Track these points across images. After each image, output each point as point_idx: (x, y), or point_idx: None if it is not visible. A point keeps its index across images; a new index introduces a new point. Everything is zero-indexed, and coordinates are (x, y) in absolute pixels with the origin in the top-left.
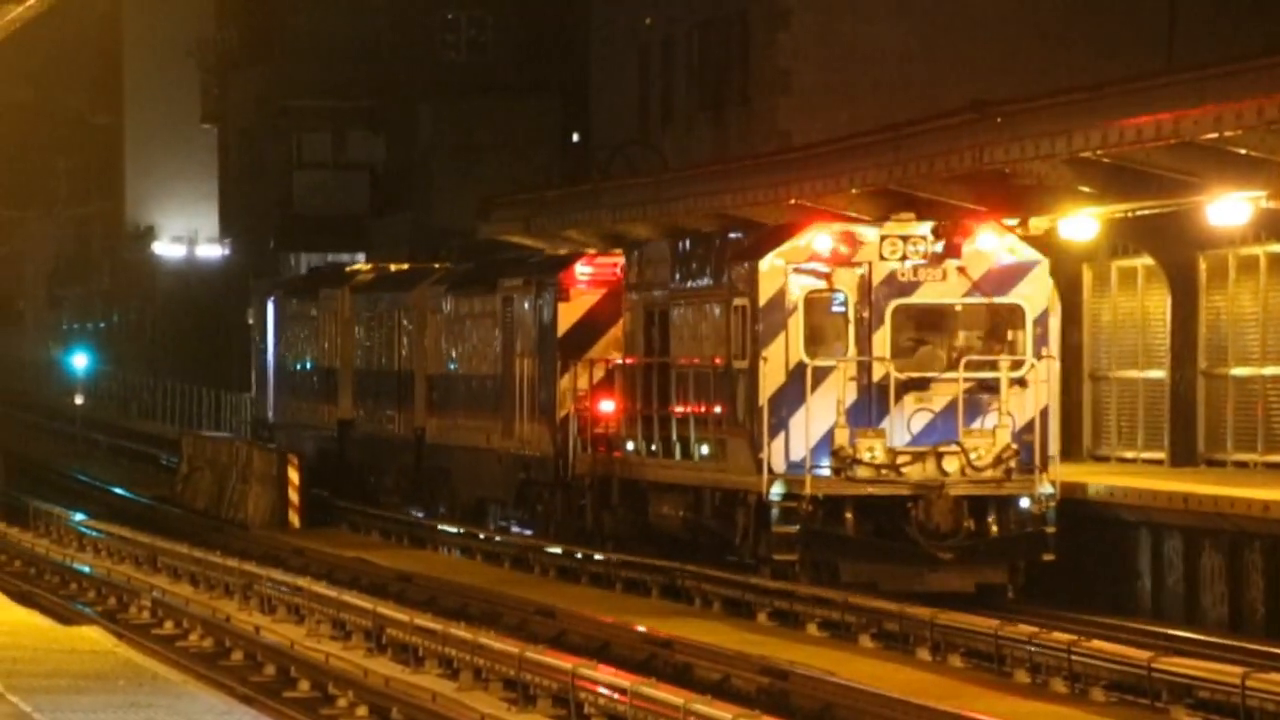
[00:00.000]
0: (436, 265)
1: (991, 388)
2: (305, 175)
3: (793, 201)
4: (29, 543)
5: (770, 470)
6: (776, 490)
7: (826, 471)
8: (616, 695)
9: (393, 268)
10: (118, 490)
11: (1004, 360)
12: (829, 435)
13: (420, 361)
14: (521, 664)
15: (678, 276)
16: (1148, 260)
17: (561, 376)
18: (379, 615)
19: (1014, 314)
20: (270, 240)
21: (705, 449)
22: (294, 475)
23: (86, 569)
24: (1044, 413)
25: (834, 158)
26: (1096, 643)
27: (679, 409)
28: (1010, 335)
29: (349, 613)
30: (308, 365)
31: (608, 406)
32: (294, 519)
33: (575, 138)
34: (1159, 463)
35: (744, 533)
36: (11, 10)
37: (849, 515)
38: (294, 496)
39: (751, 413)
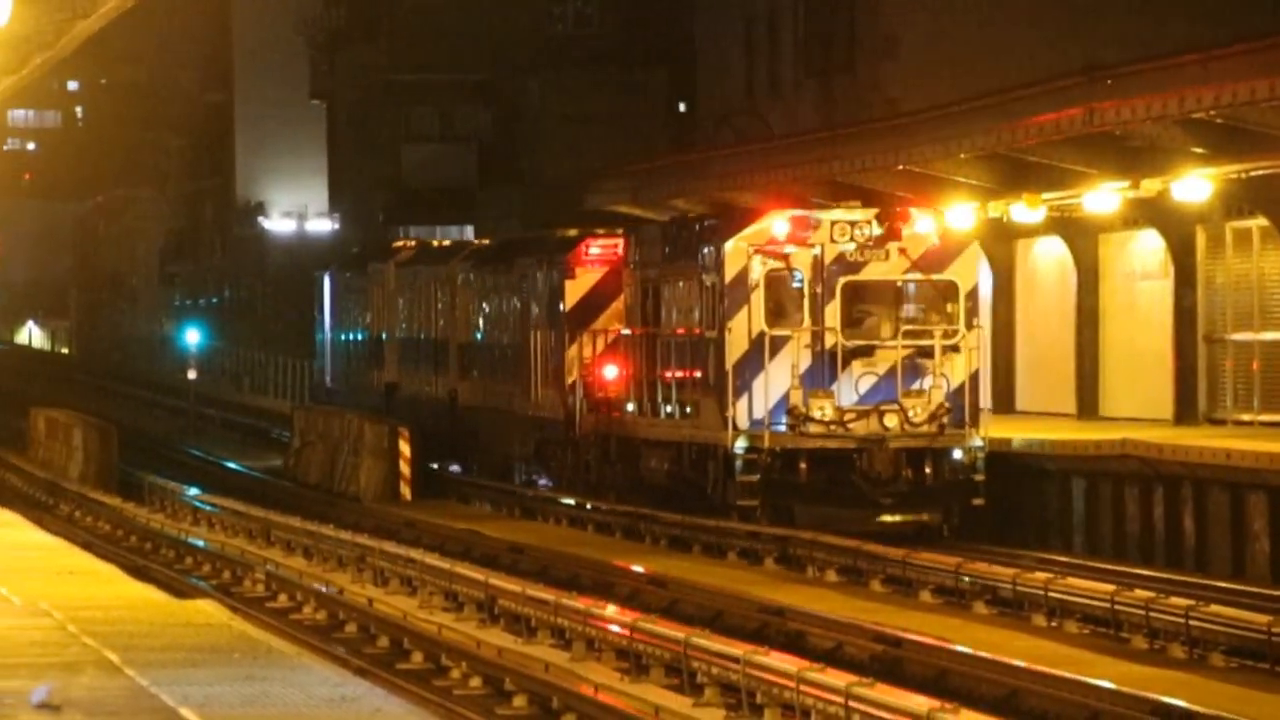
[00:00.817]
0: (478, 242)
1: (928, 354)
2: (414, 149)
3: (901, 168)
4: (144, 518)
5: (735, 427)
6: (740, 444)
7: (783, 428)
8: (729, 664)
9: (435, 244)
10: (231, 465)
11: (938, 330)
12: (786, 396)
13: (452, 331)
14: (634, 634)
15: (666, 256)
16: (1262, 221)
17: (569, 346)
18: (491, 586)
19: (948, 289)
20: (379, 214)
21: (684, 409)
22: (405, 448)
23: (201, 543)
24: (974, 376)
25: (942, 123)
26: (1215, 607)
27: (666, 374)
28: (946, 308)
29: (461, 584)
30: (358, 334)
31: (609, 373)
32: (405, 491)
33: (682, 107)
34: (1277, 425)
35: (714, 482)
36: None
37: (803, 466)
38: (405, 469)
39: (719, 376)
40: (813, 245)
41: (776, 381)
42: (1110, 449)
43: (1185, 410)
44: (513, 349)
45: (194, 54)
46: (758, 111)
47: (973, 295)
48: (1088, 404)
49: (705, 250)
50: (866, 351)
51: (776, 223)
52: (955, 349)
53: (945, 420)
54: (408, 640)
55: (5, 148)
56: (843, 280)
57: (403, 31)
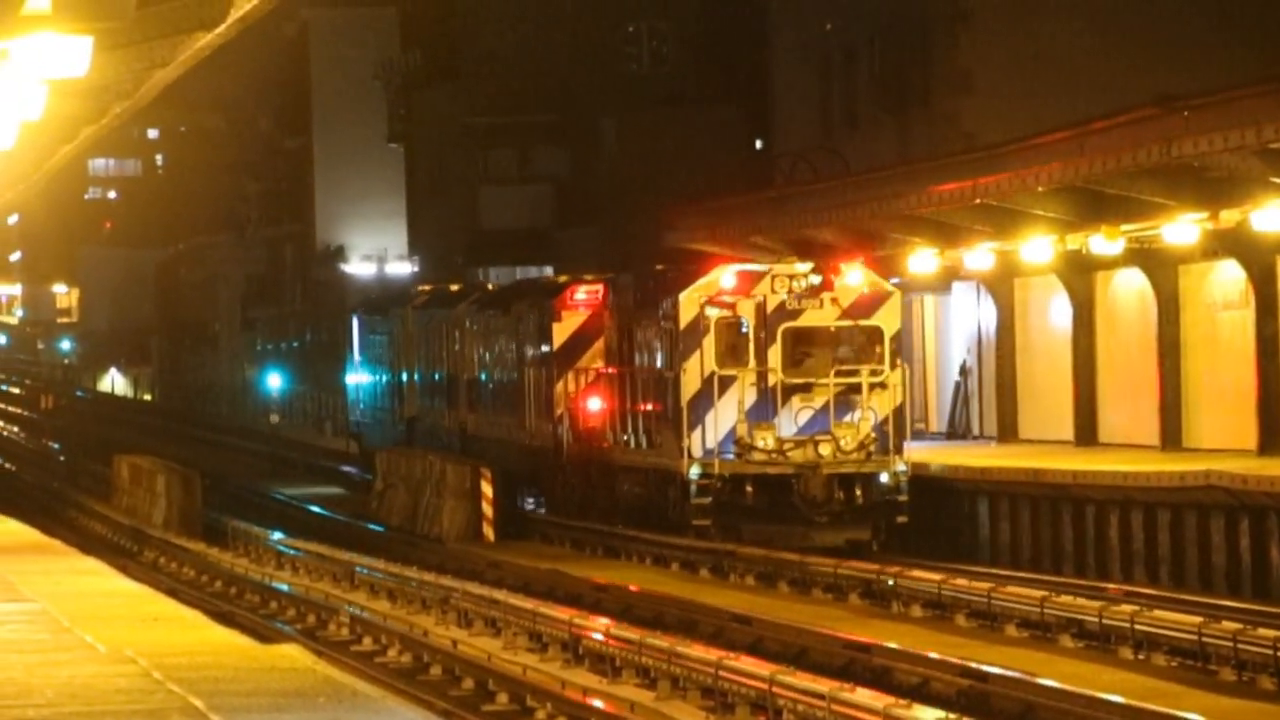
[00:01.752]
0: (490, 286)
1: (857, 390)
2: (491, 190)
3: (978, 201)
4: (228, 562)
5: (690, 455)
6: (694, 471)
7: (732, 456)
8: (815, 701)
9: (453, 287)
10: (314, 508)
11: (866, 369)
12: (734, 428)
13: (461, 369)
14: (719, 671)
15: (637, 303)
16: None
17: (557, 382)
18: (575, 626)
19: (875, 333)
20: (459, 256)
21: (649, 439)
22: (487, 489)
23: (285, 587)
24: (898, 409)
25: (1019, 157)
26: None
27: (636, 408)
28: (874, 350)
29: (545, 624)
30: (383, 372)
31: (591, 406)
32: (488, 532)
33: (758, 145)
34: None
35: (673, 503)
36: (201, 38)
37: (749, 489)
38: (487, 510)
39: (676, 411)
40: (756, 296)
41: (725, 415)
42: (1194, 480)
43: (1269, 440)
44: (510, 385)
45: (272, 100)
46: (834, 147)
47: (896, 338)
48: (1171, 435)
49: (665, 300)
50: (804, 388)
51: (725, 276)
52: (882, 385)
53: (872, 448)
54: (493, 682)
55: (87, 197)
56: (783, 326)
57: (478, 74)
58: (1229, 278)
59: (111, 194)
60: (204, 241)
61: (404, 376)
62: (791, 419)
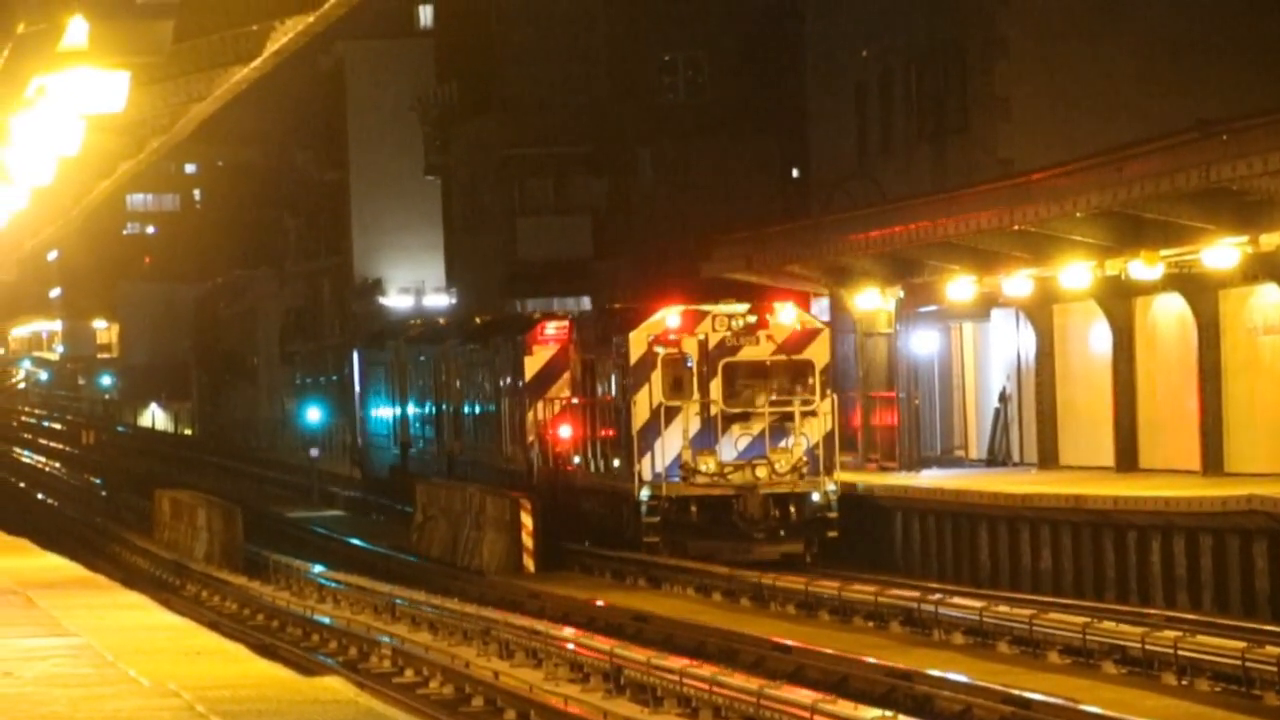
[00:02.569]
0: (479, 319)
1: (790, 418)
2: (528, 221)
3: (1016, 228)
4: (270, 596)
5: (640, 479)
6: (644, 493)
7: (678, 479)
8: None
9: (442, 321)
10: (354, 541)
11: (798, 399)
12: (679, 454)
13: (448, 398)
14: (761, 700)
15: (597, 339)
16: None
17: (529, 411)
18: (616, 656)
19: (806, 367)
20: (496, 287)
21: (607, 463)
22: (527, 520)
23: (327, 620)
24: (828, 435)
25: (1056, 183)
26: None
27: (597, 435)
28: (806, 381)
29: (587, 654)
30: (381, 402)
31: (560, 433)
32: (528, 563)
33: (794, 173)
34: None
35: (627, 522)
36: (238, 72)
37: (693, 508)
38: (528, 541)
39: (628, 439)
40: (699, 334)
41: (672, 443)
42: (1236, 505)
43: None
44: (489, 413)
45: (309, 133)
46: (871, 175)
47: (825, 371)
48: (1212, 460)
49: (617, 337)
50: (743, 417)
51: (670, 316)
52: (813, 414)
53: (804, 470)
54: (534, 713)
55: (125, 232)
56: (723, 361)
57: (514, 105)
58: (1270, 301)
59: (150, 229)
60: (242, 276)
61: (398, 406)
62: (732, 445)
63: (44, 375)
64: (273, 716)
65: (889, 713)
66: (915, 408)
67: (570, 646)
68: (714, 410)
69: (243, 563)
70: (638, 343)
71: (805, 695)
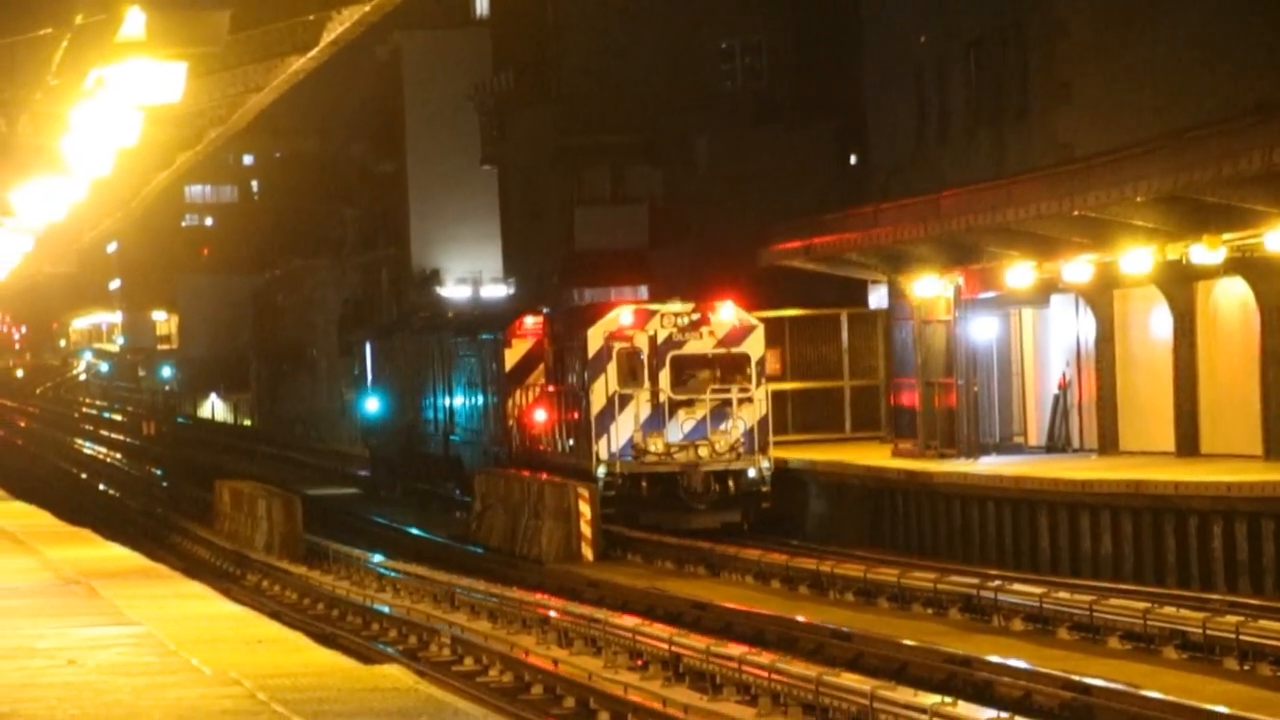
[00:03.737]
0: (475, 310)
1: (729, 404)
2: (586, 211)
3: (1076, 213)
4: (330, 586)
5: (598, 458)
6: (601, 470)
7: (630, 458)
8: (917, 716)
9: (450, 314)
10: (414, 531)
11: (735, 388)
12: (632, 436)
13: (444, 384)
14: (820, 687)
15: (565, 333)
16: None
17: (509, 397)
18: (675, 644)
19: (743, 359)
20: (554, 277)
21: (571, 444)
22: (585, 509)
23: (386, 609)
24: (762, 419)
25: (1117, 167)
26: None
27: (564, 419)
28: (745, 371)
29: (646, 643)
30: (388, 388)
31: (535, 417)
32: (586, 552)
33: (853, 160)
34: None
35: None
36: (295, 62)
37: (644, 484)
38: (586, 530)
39: (587, 423)
40: (649, 330)
41: (625, 426)
42: None
43: None
44: (476, 398)
45: (366, 124)
46: (929, 161)
47: (760, 363)
48: (1275, 445)
49: (577, 333)
50: (688, 403)
51: (624, 314)
52: (749, 400)
53: (741, 450)
54: (594, 700)
55: (184, 224)
56: (671, 354)
57: (571, 94)
58: None
59: (208, 220)
60: (300, 266)
61: (400, 392)
62: (678, 428)
63: (104, 367)
64: (333, 704)
65: (948, 699)
66: (974, 394)
67: (629, 635)
68: (662, 397)
69: (303, 552)
70: (595, 338)
71: (864, 683)
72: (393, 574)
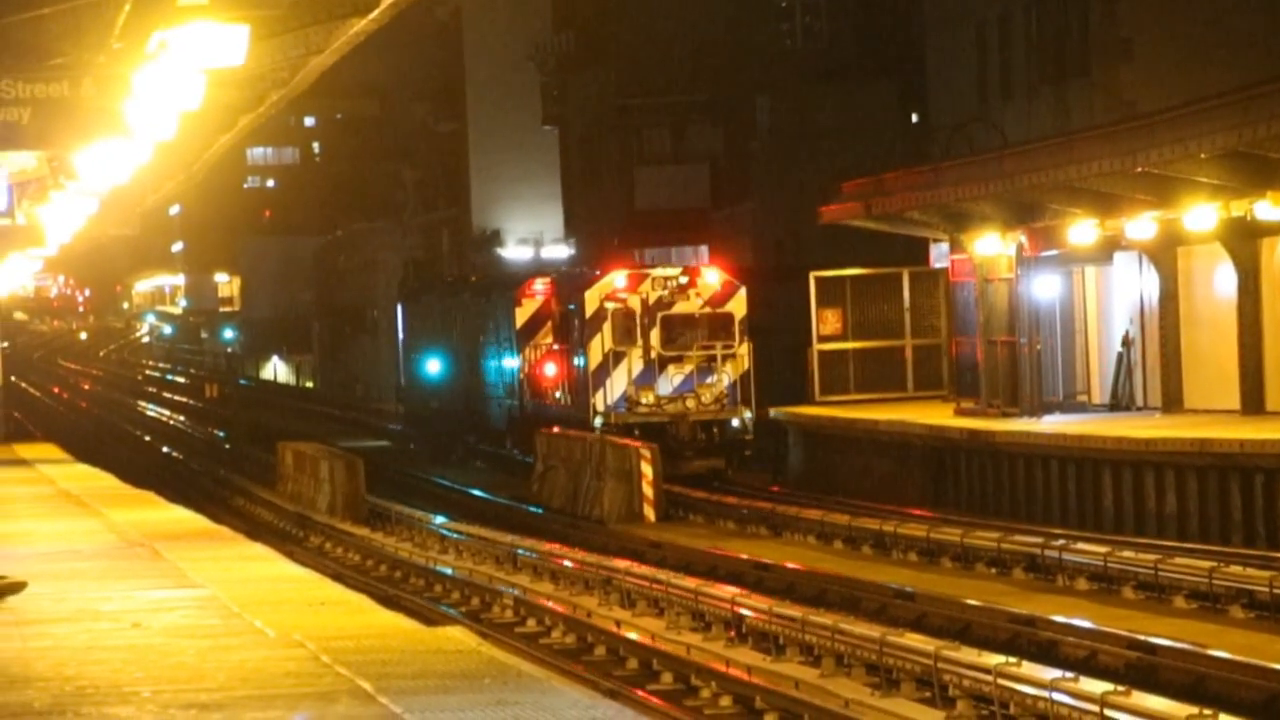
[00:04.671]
0: (488, 275)
1: (715, 360)
2: (646, 171)
3: (1139, 170)
4: (393, 548)
5: (595, 410)
6: (598, 421)
7: (624, 409)
8: (982, 675)
9: (472, 278)
10: (476, 492)
11: (720, 344)
12: (625, 389)
13: (466, 343)
14: (883, 648)
15: (568, 294)
16: None
17: (520, 354)
18: (738, 605)
19: (728, 318)
20: (614, 237)
21: (572, 396)
22: (647, 470)
23: (449, 570)
24: (745, 374)
25: (1181, 123)
26: None
27: (567, 373)
28: (730, 329)
29: (708, 604)
30: (421, 348)
31: (543, 373)
32: (648, 513)
33: (914, 119)
34: None
35: None
36: (356, 23)
37: (636, 433)
38: (648, 490)
39: (585, 378)
40: (642, 292)
41: (619, 380)
42: None
43: None
44: (492, 355)
45: (427, 85)
46: (991, 119)
47: (743, 322)
48: None
49: (576, 295)
50: (677, 359)
51: (618, 278)
52: (733, 356)
53: (725, 401)
54: (657, 661)
55: (245, 186)
56: (661, 314)
57: (632, 54)
58: None
59: (270, 182)
60: (361, 228)
61: (428, 351)
62: (668, 382)
63: (167, 329)
64: (396, 666)
65: (1013, 659)
66: (1037, 353)
67: (692, 596)
68: (653, 354)
69: (365, 514)
70: (592, 299)
71: (928, 643)
72: (455, 535)
